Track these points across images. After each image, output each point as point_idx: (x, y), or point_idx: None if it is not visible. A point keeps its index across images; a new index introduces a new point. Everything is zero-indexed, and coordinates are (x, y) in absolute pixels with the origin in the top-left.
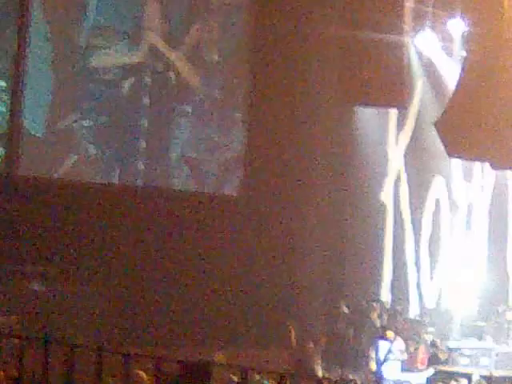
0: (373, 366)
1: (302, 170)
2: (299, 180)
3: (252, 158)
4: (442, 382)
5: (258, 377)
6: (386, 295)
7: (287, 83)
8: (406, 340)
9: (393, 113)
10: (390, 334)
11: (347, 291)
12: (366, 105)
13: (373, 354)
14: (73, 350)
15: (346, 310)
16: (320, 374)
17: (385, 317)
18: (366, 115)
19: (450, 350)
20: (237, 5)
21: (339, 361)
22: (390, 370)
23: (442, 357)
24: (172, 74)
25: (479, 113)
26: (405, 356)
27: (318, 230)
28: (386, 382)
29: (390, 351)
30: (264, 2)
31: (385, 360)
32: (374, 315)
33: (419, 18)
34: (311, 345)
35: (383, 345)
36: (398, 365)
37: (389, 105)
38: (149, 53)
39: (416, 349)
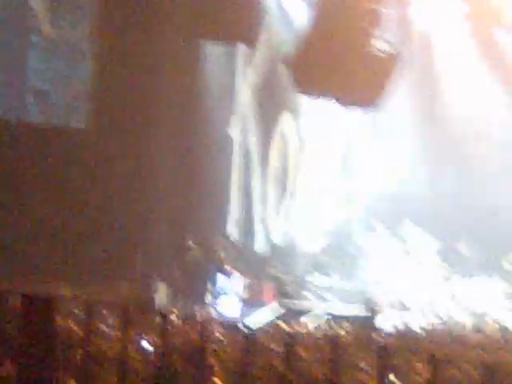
0: (211, 300)
1: (149, 105)
2: (146, 114)
3: (100, 91)
4: (288, 317)
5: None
6: (232, 230)
7: (136, 18)
8: (252, 275)
9: (241, 48)
10: (228, 268)
11: (194, 225)
12: (214, 40)
13: (212, 288)
14: None
15: (192, 244)
16: (165, 307)
17: (231, 251)
18: (214, 50)
19: (296, 285)
20: None
21: (185, 294)
22: (230, 305)
23: (288, 292)
24: None
25: (327, 50)
26: (246, 292)
27: (166, 165)
28: (225, 317)
29: (228, 286)
30: None
31: (222, 294)
32: (220, 250)
33: None
34: (157, 278)
35: (222, 279)
36: (237, 300)
37: (237, 40)
38: None
39: (261, 285)
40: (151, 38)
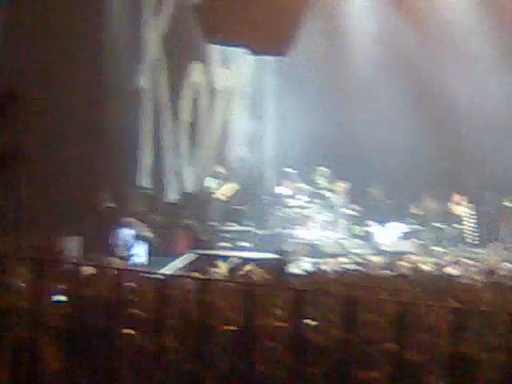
0: (123, 251)
1: (56, 58)
2: (54, 67)
3: (10, 37)
4: (203, 265)
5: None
6: (145, 181)
7: None
8: (165, 225)
9: None
10: (141, 218)
11: (106, 177)
12: None
13: (124, 239)
14: None
15: (104, 195)
16: (78, 259)
17: (143, 202)
18: (119, 2)
19: (211, 233)
20: None
21: (98, 246)
22: (143, 255)
23: (203, 240)
24: None
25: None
26: (159, 241)
27: (75, 117)
28: (138, 267)
29: (140, 236)
30: None
31: (135, 245)
32: (134, 202)
33: None
34: (69, 230)
35: (134, 229)
36: (151, 250)
37: None
38: None
39: (175, 233)
40: None
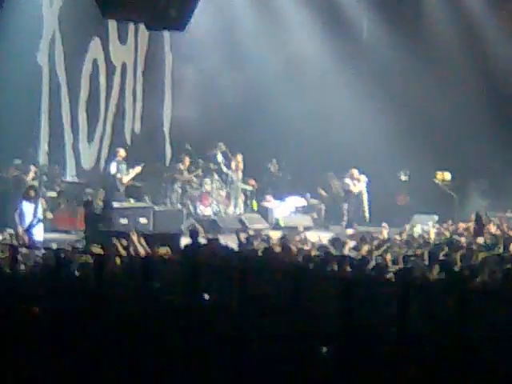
0: (20, 225)
1: None
2: None
3: None
4: (103, 241)
5: None
6: (43, 158)
7: None
8: (64, 201)
9: None
10: (32, 192)
11: (3, 154)
12: None
13: (21, 214)
14: None
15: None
16: None
17: (43, 178)
18: None
19: (112, 209)
20: None
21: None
22: (40, 231)
23: (102, 217)
24: None
25: None
26: (49, 216)
27: None
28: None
29: (38, 212)
30: None
31: (33, 220)
32: (30, 177)
33: None
34: None
35: (31, 205)
36: (42, 225)
37: None
38: None
39: (74, 210)
40: None
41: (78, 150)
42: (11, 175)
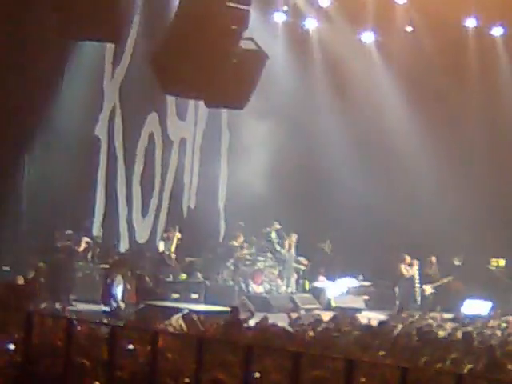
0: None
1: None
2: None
3: None
4: (153, 315)
5: None
6: (97, 230)
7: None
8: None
9: (109, 47)
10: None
11: (61, 226)
12: (82, 39)
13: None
14: None
15: (59, 244)
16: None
17: (97, 251)
18: (83, 48)
19: (161, 284)
20: None
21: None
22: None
23: (154, 291)
24: None
25: (192, 52)
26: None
27: None
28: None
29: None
30: None
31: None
32: (81, 248)
33: None
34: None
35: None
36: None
37: (103, 39)
38: None
39: (130, 283)
40: (23, 37)
41: (132, 223)
42: (63, 245)
